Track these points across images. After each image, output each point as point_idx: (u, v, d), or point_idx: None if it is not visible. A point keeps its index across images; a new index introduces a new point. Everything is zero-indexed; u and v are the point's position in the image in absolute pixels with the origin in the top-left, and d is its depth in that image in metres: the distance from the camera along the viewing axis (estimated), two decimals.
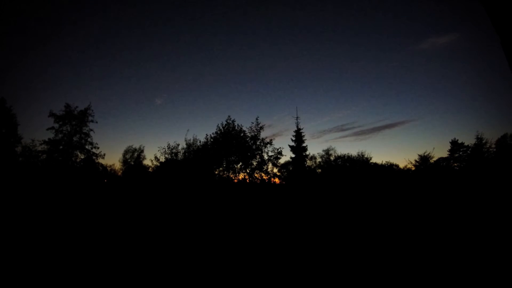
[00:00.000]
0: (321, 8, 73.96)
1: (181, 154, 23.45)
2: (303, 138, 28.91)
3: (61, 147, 27.16)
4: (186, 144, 23.71)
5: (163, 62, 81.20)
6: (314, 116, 74.09)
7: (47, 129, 27.22)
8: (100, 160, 29.55)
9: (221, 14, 78.12)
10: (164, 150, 23.15)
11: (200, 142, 23.74)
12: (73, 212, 13.89)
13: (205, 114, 73.72)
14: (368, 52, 78.91)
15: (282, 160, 24.84)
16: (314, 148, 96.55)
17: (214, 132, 23.35)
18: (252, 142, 22.73)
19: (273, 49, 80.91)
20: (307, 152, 29.15)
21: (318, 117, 75.65)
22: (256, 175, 22.81)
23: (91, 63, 76.18)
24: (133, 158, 36.09)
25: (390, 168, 34.28)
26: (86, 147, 28.38)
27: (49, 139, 26.85)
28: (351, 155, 34.38)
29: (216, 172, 22.82)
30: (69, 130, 27.62)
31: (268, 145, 22.93)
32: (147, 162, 35.95)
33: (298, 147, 28.71)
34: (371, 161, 33.62)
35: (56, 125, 27.32)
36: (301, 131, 28.98)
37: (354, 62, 78.01)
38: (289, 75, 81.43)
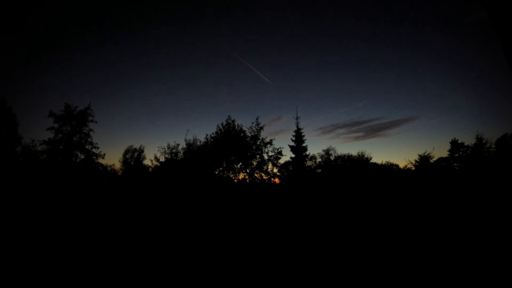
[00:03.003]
0: None
1: (181, 154, 23.48)
2: (303, 138, 28.91)
3: (61, 147, 27.11)
4: (186, 144, 23.75)
5: (163, 61, 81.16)
6: (309, 115, 74.01)
7: (47, 129, 27.19)
8: (100, 160, 29.52)
9: (221, 12, 78.08)
10: (164, 150, 23.20)
11: (200, 142, 23.80)
12: (73, 212, 13.89)
13: (205, 114, 73.66)
14: (368, 50, 78.75)
15: (282, 160, 24.89)
16: (315, 148, 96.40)
17: (214, 132, 23.44)
18: (252, 142, 22.75)
19: (277, 41, 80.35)
20: (307, 152, 29.16)
21: (313, 117, 75.74)
22: (256, 175, 22.83)
23: (91, 63, 76.15)
24: (133, 158, 36.07)
25: (390, 168, 34.27)
26: (86, 147, 28.33)
27: (49, 139, 26.81)
28: (351, 155, 34.40)
29: (216, 172, 22.83)
30: (69, 130, 27.57)
31: (268, 145, 22.98)
32: (147, 162, 35.95)
33: (298, 147, 28.67)
34: (371, 161, 33.66)
35: (56, 125, 27.29)
36: (301, 131, 28.98)
37: (354, 60, 77.88)
38: (293, 69, 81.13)
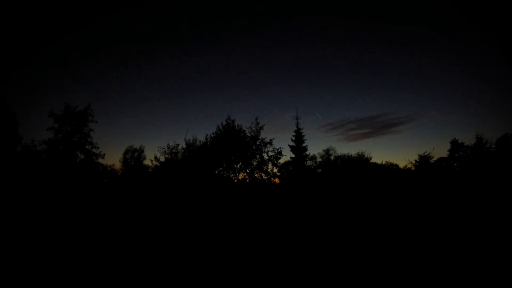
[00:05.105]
0: None
1: (180, 154, 23.47)
2: (303, 138, 28.95)
3: (61, 147, 27.12)
4: (186, 144, 23.74)
5: (163, 61, 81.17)
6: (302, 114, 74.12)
7: (47, 129, 27.18)
8: (100, 160, 29.51)
9: (222, 12, 78.03)
10: (164, 150, 23.21)
11: (199, 142, 23.79)
12: (73, 212, 13.90)
13: (205, 114, 73.71)
14: (368, 50, 78.74)
15: (282, 160, 24.89)
16: (320, 146, 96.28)
17: (214, 132, 23.44)
18: (252, 142, 22.76)
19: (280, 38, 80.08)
20: (307, 152, 29.19)
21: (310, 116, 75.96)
22: (256, 175, 22.82)
23: (91, 62, 76.23)
24: (133, 158, 36.05)
25: (390, 168, 34.27)
26: (86, 147, 28.31)
27: (49, 139, 26.82)
28: (351, 155, 34.40)
29: (216, 172, 22.83)
30: (69, 130, 27.56)
31: (268, 145, 22.98)
32: (147, 162, 35.91)
33: (298, 147, 28.70)
34: (371, 161, 33.67)
35: (56, 125, 27.28)
36: (301, 131, 29.01)
37: (354, 59, 77.92)
38: (296, 66, 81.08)
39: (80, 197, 20.38)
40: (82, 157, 28.23)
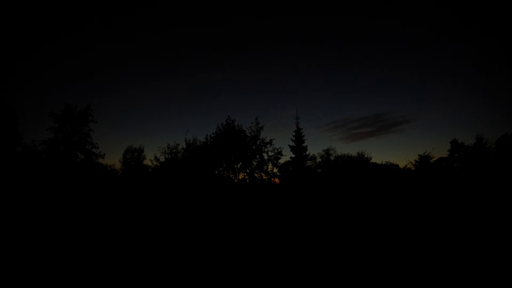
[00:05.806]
0: None
1: (180, 154, 23.46)
2: (303, 138, 28.93)
3: (61, 147, 27.10)
4: (186, 144, 23.74)
5: (163, 61, 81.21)
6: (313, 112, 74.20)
7: (47, 129, 27.17)
8: (100, 160, 29.48)
9: (221, 14, 78.00)
10: (164, 150, 23.22)
11: (199, 142, 23.78)
12: (74, 213, 13.89)
13: (205, 114, 73.70)
14: (367, 50, 78.86)
15: (282, 160, 24.89)
16: (316, 148, 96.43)
17: (214, 132, 23.45)
18: (252, 142, 22.76)
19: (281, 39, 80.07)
20: (307, 152, 29.17)
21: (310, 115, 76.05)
22: (256, 175, 22.83)
23: (91, 63, 76.25)
24: (133, 158, 36.00)
25: (390, 168, 34.26)
26: (86, 147, 28.27)
27: (48, 139, 26.81)
28: (351, 155, 34.40)
29: (216, 172, 22.83)
30: (69, 130, 27.54)
31: (268, 145, 22.99)
32: (147, 162, 35.86)
33: (298, 147, 28.68)
34: (371, 161, 33.67)
35: (56, 125, 27.26)
36: (301, 131, 29.00)
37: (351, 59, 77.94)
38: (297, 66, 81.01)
39: (80, 197, 20.37)
40: (82, 157, 28.20)
